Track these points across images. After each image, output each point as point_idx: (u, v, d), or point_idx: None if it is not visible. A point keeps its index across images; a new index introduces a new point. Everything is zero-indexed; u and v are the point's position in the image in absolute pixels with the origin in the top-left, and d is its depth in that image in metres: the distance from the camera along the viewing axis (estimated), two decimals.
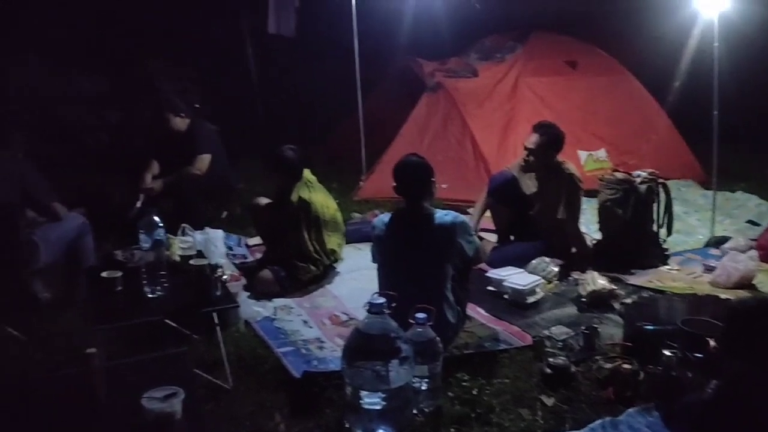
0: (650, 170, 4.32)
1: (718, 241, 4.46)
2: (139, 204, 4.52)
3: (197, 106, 6.03)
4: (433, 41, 6.79)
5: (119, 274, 2.79)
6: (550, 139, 4.16)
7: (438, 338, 2.64)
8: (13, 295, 3.45)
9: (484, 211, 4.54)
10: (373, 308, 2.45)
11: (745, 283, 3.74)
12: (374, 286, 3.41)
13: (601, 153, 6.11)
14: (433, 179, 3.17)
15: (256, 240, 4.56)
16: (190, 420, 1.78)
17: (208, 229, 3.98)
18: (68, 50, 6.21)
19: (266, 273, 3.76)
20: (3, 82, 5.85)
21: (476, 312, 3.53)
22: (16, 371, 2.98)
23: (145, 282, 2.80)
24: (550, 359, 2.86)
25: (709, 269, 3.97)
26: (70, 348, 3.17)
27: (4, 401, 1.92)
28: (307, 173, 3.98)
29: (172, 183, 4.62)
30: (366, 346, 2.41)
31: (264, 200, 4.12)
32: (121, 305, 2.70)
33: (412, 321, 2.61)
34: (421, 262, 3.05)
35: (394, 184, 3.17)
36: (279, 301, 3.69)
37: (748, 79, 4.86)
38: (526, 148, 4.20)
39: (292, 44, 6.65)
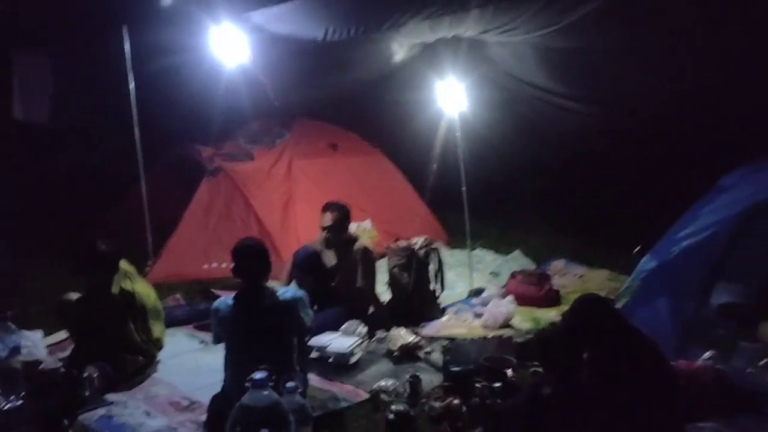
0: (425, 237, 5.18)
1: (476, 292, 5.45)
2: None
3: None
4: (206, 126, 7.03)
5: None
6: (342, 215, 4.77)
7: (307, 404, 2.95)
8: None
9: (289, 283, 4.91)
10: (257, 382, 2.67)
11: (507, 323, 4.71)
12: (204, 366, 3.58)
13: (367, 223, 6.90)
14: (271, 260, 3.49)
15: (54, 338, 4.27)
16: None
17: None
18: None
19: (92, 370, 3.60)
20: None
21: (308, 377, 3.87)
22: None
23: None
24: (393, 407, 3.34)
25: (478, 315, 4.88)
26: None
27: None
28: (124, 264, 3.95)
29: None
30: (257, 420, 2.61)
31: (74, 295, 3.94)
32: None
33: (281, 390, 2.87)
34: (271, 338, 3.32)
35: (233, 266, 3.41)
36: (110, 397, 3.57)
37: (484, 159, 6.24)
38: (323, 228, 4.74)
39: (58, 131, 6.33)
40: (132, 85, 5.71)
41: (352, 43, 4.96)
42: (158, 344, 3.99)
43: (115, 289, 3.78)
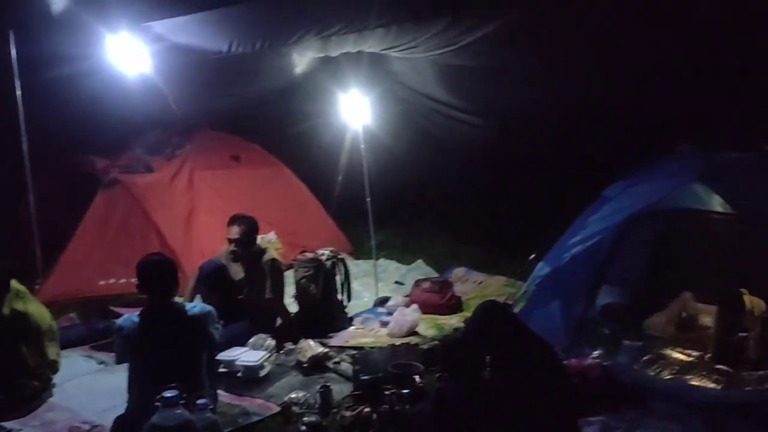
0: (331, 248, 5.25)
1: (382, 301, 5.57)
2: None
3: None
4: (102, 136, 6.72)
5: None
6: (250, 228, 4.75)
7: (219, 420, 2.93)
8: None
9: (193, 298, 4.81)
10: (167, 401, 2.62)
11: (412, 331, 4.85)
12: (104, 388, 3.46)
13: (272, 235, 6.84)
14: (179, 275, 3.43)
15: None
16: None
17: None
18: None
19: None
20: None
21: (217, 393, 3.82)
22: None
23: None
24: (305, 418, 3.38)
25: (384, 324, 5.00)
26: None
27: None
28: (15, 284, 3.74)
29: None
30: None
31: None
32: None
33: (192, 408, 2.84)
34: (180, 354, 3.26)
35: (139, 282, 3.32)
36: (3, 426, 3.37)
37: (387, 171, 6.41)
38: (230, 241, 4.69)
39: None
40: (19, 93, 5.42)
41: (256, 55, 4.97)
42: (54, 367, 3.81)
43: (6, 311, 3.57)
